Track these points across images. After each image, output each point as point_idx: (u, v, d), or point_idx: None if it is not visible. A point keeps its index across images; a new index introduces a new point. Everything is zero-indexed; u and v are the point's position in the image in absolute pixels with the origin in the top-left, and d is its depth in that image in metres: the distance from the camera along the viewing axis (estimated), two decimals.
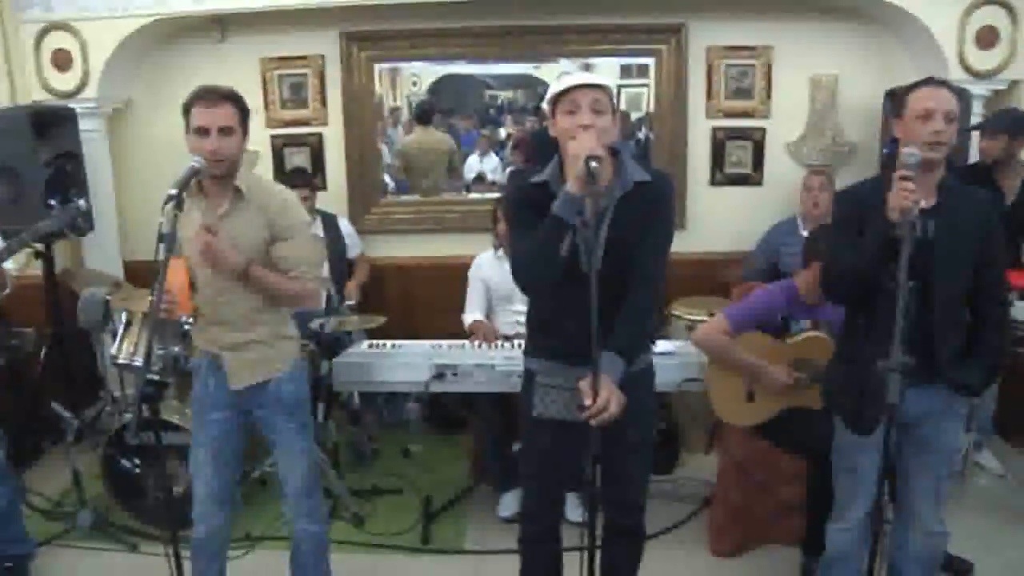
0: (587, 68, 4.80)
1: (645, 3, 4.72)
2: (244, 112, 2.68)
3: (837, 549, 2.93)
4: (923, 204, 2.48)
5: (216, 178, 2.64)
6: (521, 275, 2.44)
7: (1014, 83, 4.63)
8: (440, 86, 5.06)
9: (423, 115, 5.05)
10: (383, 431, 4.78)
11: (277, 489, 3.15)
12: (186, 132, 2.63)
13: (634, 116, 5.06)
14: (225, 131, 2.58)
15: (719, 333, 3.34)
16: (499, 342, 3.94)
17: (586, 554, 2.37)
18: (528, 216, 2.39)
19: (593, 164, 2.15)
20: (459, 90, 5.11)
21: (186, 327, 3.03)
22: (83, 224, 4.30)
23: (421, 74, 5.00)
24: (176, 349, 3.52)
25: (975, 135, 4.40)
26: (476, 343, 3.95)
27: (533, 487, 2.81)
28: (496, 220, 4.08)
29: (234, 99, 2.65)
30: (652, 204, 2.42)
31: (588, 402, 2.19)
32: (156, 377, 2.51)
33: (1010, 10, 4.50)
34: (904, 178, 2.36)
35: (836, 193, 3.14)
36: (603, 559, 2.49)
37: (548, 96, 2.41)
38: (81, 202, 4.03)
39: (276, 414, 2.85)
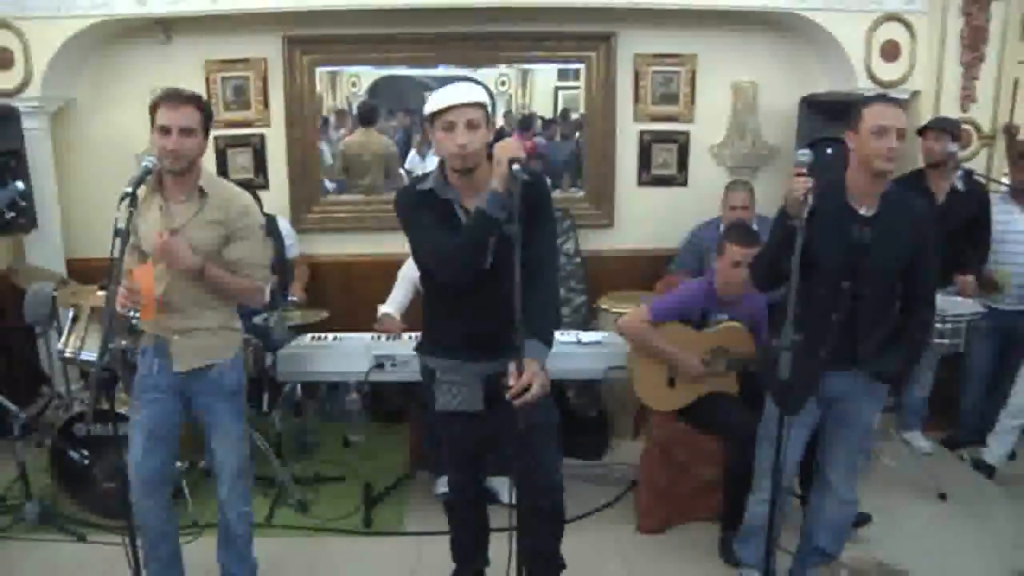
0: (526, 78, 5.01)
1: (577, 12, 4.91)
2: (207, 115, 2.85)
3: (754, 519, 3.22)
4: (863, 211, 2.79)
5: (177, 176, 2.79)
6: (448, 270, 2.63)
7: (915, 93, 4.98)
8: (379, 88, 5.19)
9: (366, 117, 5.19)
10: (324, 422, 4.93)
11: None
12: (151, 131, 2.78)
13: (573, 116, 5.29)
14: (186, 131, 2.74)
15: (640, 322, 3.59)
16: (408, 335, 4.05)
17: (512, 535, 2.59)
18: (428, 217, 2.60)
19: (516, 167, 2.37)
20: (398, 91, 5.25)
21: (134, 321, 3.15)
22: (21, 203, 4.36)
23: (361, 76, 5.14)
24: (124, 343, 3.66)
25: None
26: (377, 335, 4.08)
27: (451, 468, 3.07)
28: None
29: (197, 102, 2.82)
30: (536, 201, 2.63)
31: (512, 382, 2.39)
32: (105, 372, 2.60)
33: (908, 27, 4.86)
34: (799, 174, 2.65)
35: None
36: (527, 540, 2.69)
37: (426, 112, 2.59)
38: (19, 183, 4.09)
39: (218, 400, 3.01)
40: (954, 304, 3.93)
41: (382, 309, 4.24)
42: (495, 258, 2.47)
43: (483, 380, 2.69)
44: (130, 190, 2.50)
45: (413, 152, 5.37)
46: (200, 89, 4.90)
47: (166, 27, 4.89)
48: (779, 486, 2.68)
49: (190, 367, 2.93)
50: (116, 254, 2.42)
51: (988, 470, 4.41)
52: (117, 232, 2.42)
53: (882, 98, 2.95)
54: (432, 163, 5.22)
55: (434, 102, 2.55)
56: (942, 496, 4.15)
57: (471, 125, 2.50)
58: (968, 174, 4.38)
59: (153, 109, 2.78)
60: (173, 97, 2.78)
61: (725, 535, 3.60)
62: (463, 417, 2.79)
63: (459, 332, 2.71)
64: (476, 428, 2.82)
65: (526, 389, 2.41)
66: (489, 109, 2.58)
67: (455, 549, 3.21)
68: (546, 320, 2.65)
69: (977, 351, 4.56)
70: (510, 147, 2.42)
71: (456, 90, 2.53)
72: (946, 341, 3.87)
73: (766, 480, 3.07)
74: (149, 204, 2.83)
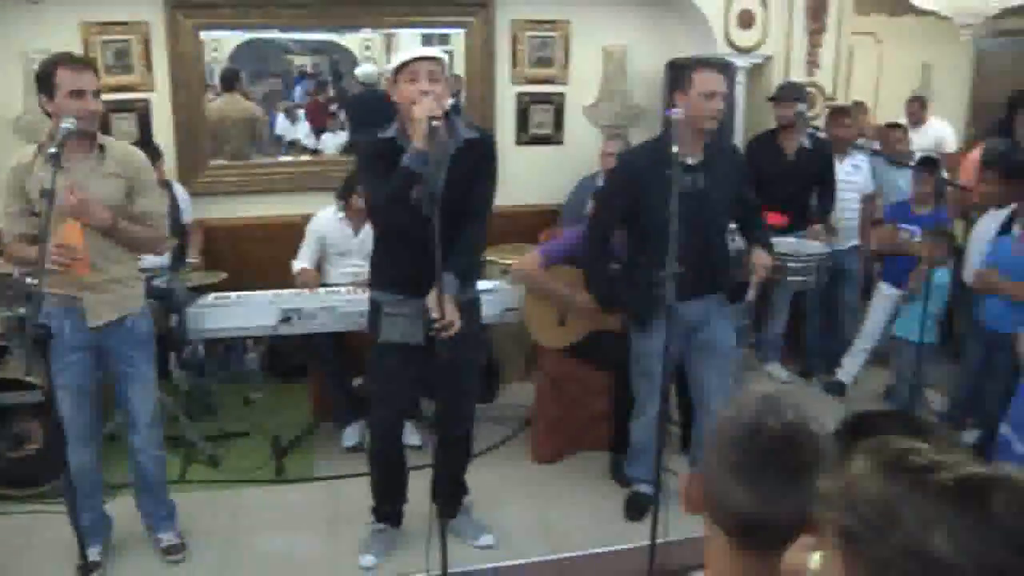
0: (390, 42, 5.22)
1: None
2: (97, 78, 2.97)
3: (639, 441, 3.61)
4: (690, 161, 3.17)
5: (80, 137, 2.87)
6: (380, 218, 2.91)
7: (768, 58, 5.47)
8: (240, 52, 5.22)
9: (226, 81, 5.23)
10: (224, 383, 5.00)
11: (125, 442, 3.40)
12: (46, 95, 2.85)
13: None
14: (95, 93, 2.88)
15: (532, 265, 3.90)
16: (340, 289, 4.27)
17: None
18: (379, 166, 2.86)
19: (434, 123, 2.62)
20: (259, 56, 5.31)
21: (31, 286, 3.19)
22: None
23: (221, 41, 5.15)
24: (21, 310, 3.68)
25: (738, 110, 5.24)
26: (301, 289, 4.26)
27: (380, 404, 3.27)
28: (346, 194, 4.40)
29: (93, 66, 2.99)
30: (479, 157, 2.94)
31: (436, 315, 2.66)
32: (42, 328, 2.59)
33: None
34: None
35: (618, 156, 3.82)
36: (437, 463, 3.09)
37: (392, 66, 2.87)
38: None
39: (133, 348, 3.17)
40: (805, 246, 4.44)
41: (297, 264, 4.39)
42: (445, 203, 2.70)
43: (424, 315, 2.91)
44: (54, 150, 2.57)
45: (281, 116, 5.46)
46: (77, 52, 4.83)
47: None
48: (666, 397, 3.03)
49: (106, 321, 3.04)
50: (44, 213, 2.49)
51: (840, 389, 5.00)
52: (43, 192, 2.49)
53: (708, 65, 3.40)
54: (301, 128, 5.49)
55: (399, 57, 2.84)
56: None
57: (432, 77, 2.77)
58: (814, 131, 4.88)
59: (50, 73, 2.83)
60: (76, 61, 2.90)
61: (615, 458, 3.98)
62: (404, 350, 3.02)
63: (403, 269, 2.95)
64: (413, 362, 3.06)
65: (451, 322, 2.71)
66: (446, 67, 2.87)
67: (378, 489, 3.42)
68: (466, 259, 2.98)
69: (815, 289, 5.14)
70: (427, 106, 2.65)
71: (419, 48, 2.94)
72: (799, 278, 4.40)
73: (646, 410, 3.51)
74: (40, 165, 2.89)
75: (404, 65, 2.80)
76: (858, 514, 0.74)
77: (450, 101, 3.02)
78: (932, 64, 8.58)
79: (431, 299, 2.72)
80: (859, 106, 6.74)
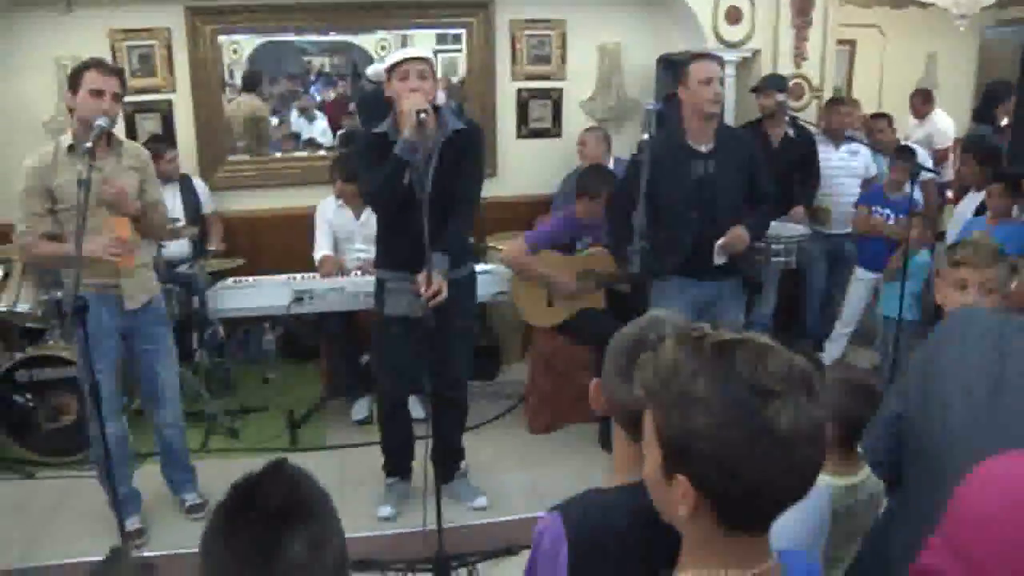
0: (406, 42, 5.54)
1: None
2: (124, 86, 3.28)
3: None
4: (702, 148, 3.48)
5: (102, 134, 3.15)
6: (375, 203, 3.26)
7: (756, 52, 5.71)
8: (259, 54, 5.51)
9: (247, 82, 5.54)
10: (243, 364, 5.37)
11: (150, 416, 3.76)
12: (71, 91, 3.16)
13: (452, 77, 5.79)
14: (116, 97, 3.18)
15: (520, 251, 4.21)
16: (351, 272, 4.62)
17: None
18: (373, 157, 3.21)
19: (422, 115, 2.95)
20: (277, 57, 5.60)
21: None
22: None
23: (242, 43, 5.43)
24: (58, 294, 4.04)
25: (728, 101, 5.49)
26: (324, 278, 4.60)
27: (385, 371, 3.61)
28: (334, 179, 4.78)
29: (120, 74, 3.27)
30: (467, 146, 3.28)
31: (423, 290, 2.99)
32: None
33: None
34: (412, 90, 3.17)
35: (639, 144, 4.14)
36: (434, 426, 3.37)
37: (385, 66, 3.21)
38: None
39: (159, 326, 3.55)
40: (786, 228, 4.71)
41: (318, 253, 4.75)
42: (432, 189, 3.02)
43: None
44: (89, 145, 2.89)
45: (296, 113, 5.77)
46: (106, 57, 5.18)
47: None
48: None
49: (141, 304, 3.38)
50: (82, 202, 2.79)
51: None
52: (80, 183, 2.81)
53: (702, 55, 3.68)
54: (318, 126, 5.80)
55: (391, 59, 3.18)
56: None
57: (421, 75, 3.10)
58: (794, 120, 5.14)
59: (78, 73, 3.14)
60: (103, 65, 3.22)
61: (604, 427, 4.27)
62: (405, 323, 3.35)
63: (404, 249, 3.28)
64: (412, 334, 3.35)
65: (437, 293, 3.06)
66: (434, 66, 3.20)
67: (388, 447, 3.77)
68: (456, 240, 3.31)
69: (814, 272, 5.40)
70: (415, 100, 2.98)
71: (408, 49, 3.26)
72: (781, 259, 4.67)
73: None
74: (63, 159, 3.20)
75: (396, 65, 3.13)
76: (657, 374, 1.04)
77: (440, 96, 3.34)
78: (937, 54, 8.77)
79: (421, 276, 3.04)
80: (853, 101, 6.99)
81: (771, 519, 1.03)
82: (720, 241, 3.63)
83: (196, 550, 1.13)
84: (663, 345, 1.06)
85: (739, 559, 1.04)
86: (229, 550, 1.08)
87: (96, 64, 3.19)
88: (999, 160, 4.42)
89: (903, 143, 5.52)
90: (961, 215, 4.71)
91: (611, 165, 5.06)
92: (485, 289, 4.35)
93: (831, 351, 5.29)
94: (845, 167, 5.31)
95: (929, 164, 5.47)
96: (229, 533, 1.09)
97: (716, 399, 0.97)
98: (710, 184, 3.55)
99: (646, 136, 3.39)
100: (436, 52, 5.71)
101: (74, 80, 3.16)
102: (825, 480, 2.11)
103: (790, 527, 1.24)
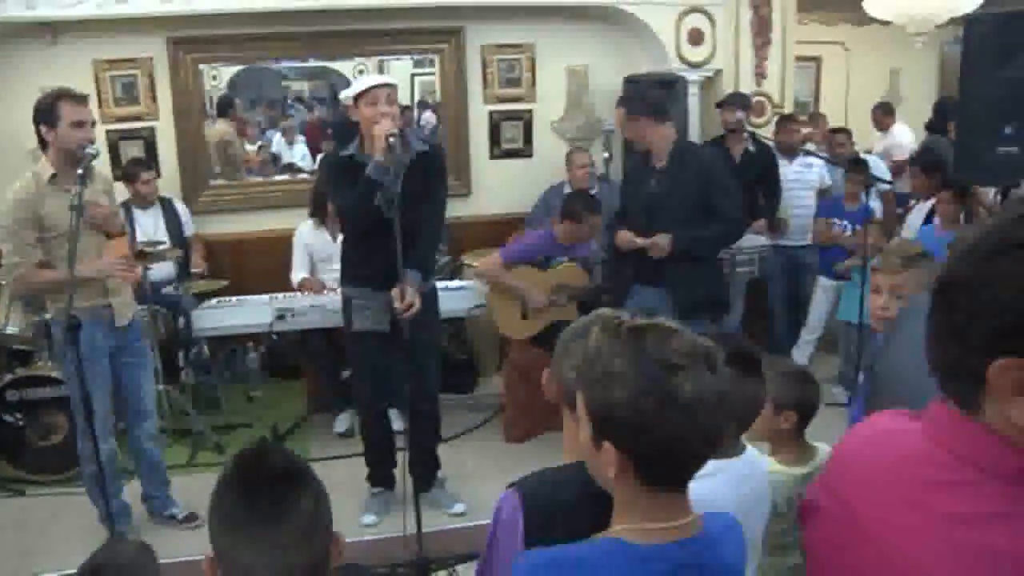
0: (380, 68, 5.75)
1: (429, 11, 5.60)
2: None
3: None
4: (659, 165, 3.73)
5: (75, 160, 3.25)
6: (349, 221, 3.43)
7: (718, 71, 5.96)
8: (239, 79, 5.69)
9: (221, 108, 5.70)
10: (228, 382, 5.49)
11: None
12: (47, 126, 3.25)
13: (430, 100, 6.00)
14: (93, 123, 3.35)
15: (495, 265, 4.40)
16: (325, 292, 4.79)
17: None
18: (343, 178, 3.42)
19: (391, 140, 3.13)
20: (257, 83, 5.77)
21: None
22: None
23: (220, 69, 5.61)
24: (47, 315, 4.17)
25: (692, 119, 5.73)
26: (306, 294, 4.79)
27: (362, 385, 3.78)
28: (315, 204, 4.94)
29: (87, 99, 3.39)
30: (430, 167, 3.50)
31: (397, 304, 3.17)
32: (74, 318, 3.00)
33: (710, 16, 5.83)
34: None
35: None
36: (411, 438, 3.59)
37: (352, 92, 3.39)
38: None
39: (141, 340, 3.72)
40: (748, 240, 4.94)
41: (296, 276, 4.92)
42: (403, 207, 3.20)
43: (389, 305, 3.40)
44: (81, 171, 3.06)
45: (278, 137, 5.94)
46: (89, 87, 5.31)
47: (53, 29, 5.22)
48: None
49: (129, 319, 3.54)
50: (74, 227, 2.96)
51: None
52: (73, 207, 2.97)
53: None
54: (298, 150, 5.97)
55: (358, 86, 3.38)
56: None
57: (389, 99, 3.31)
58: (753, 135, 5.37)
59: (53, 106, 3.23)
60: (76, 95, 3.31)
61: None
62: (373, 338, 3.53)
63: (369, 266, 3.47)
64: (383, 347, 3.56)
65: (411, 305, 3.25)
66: (397, 92, 3.41)
67: (370, 458, 3.93)
68: (426, 255, 3.53)
69: (777, 283, 5.61)
70: (386, 125, 3.17)
71: (376, 77, 3.51)
72: (746, 269, 4.92)
73: None
74: (47, 189, 3.29)
75: (364, 92, 3.32)
76: (584, 358, 1.23)
77: (430, 118, 3.58)
78: (900, 70, 9.08)
79: (395, 292, 3.22)
80: (821, 116, 7.26)
81: (685, 477, 1.22)
82: (639, 241, 3.89)
83: (189, 558, 1.30)
84: (590, 333, 1.25)
85: (660, 514, 1.22)
86: (247, 510, 1.26)
87: (66, 95, 3.26)
88: (943, 169, 4.65)
89: (860, 155, 5.75)
90: (912, 224, 4.94)
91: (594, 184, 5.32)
92: (461, 304, 4.53)
93: (798, 357, 5.49)
94: (799, 180, 5.56)
95: (886, 175, 5.73)
96: (245, 495, 1.28)
97: (631, 374, 1.15)
98: (658, 199, 3.82)
99: (606, 155, 3.61)
100: (413, 76, 5.94)
101: (47, 114, 3.24)
102: (777, 469, 2.28)
103: (719, 502, 1.43)
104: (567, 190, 5.59)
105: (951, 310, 0.90)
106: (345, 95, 3.45)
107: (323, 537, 1.31)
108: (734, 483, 1.72)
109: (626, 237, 3.95)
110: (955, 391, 0.93)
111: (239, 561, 1.25)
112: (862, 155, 5.81)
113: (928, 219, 4.76)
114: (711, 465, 1.27)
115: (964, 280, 0.88)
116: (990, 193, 4.41)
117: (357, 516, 3.87)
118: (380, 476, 3.94)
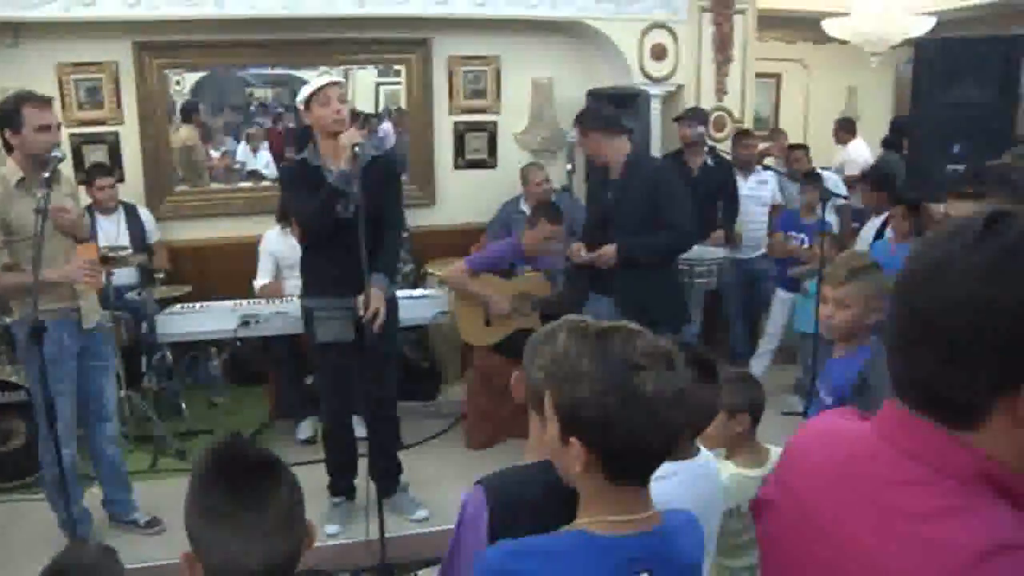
0: (346, 77, 5.74)
1: (397, 21, 5.63)
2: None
3: None
4: (614, 177, 3.84)
5: (45, 164, 3.22)
6: (311, 229, 3.46)
7: (680, 86, 6.08)
8: (202, 86, 5.69)
9: (185, 113, 5.70)
10: (191, 388, 5.46)
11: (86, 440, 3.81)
12: (11, 130, 3.24)
13: (392, 110, 6.06)
14: (58, 126, 3.35)
15: (460, 272, 4.46)
16: (288, 296, 4.79)
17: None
18: (300, 185, 3.47)
19: (356, 149, 3.19)
20: (221, 89, 5.78)
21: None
22: None
23: (185, 75, 5.61)
24: (7, 320, 4.15)
25: (655, 133, 5.84)
26: (268, 301, 4.80)
27: (328, 395, 3.81)
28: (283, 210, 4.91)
29: (52, 102, 3.39)
30: (385, 171, 3.57)
31: (362, 312, 3.21)
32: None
33: (672, 33, 5.95)
34: None
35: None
36: (372, 442, 3.66)
37: (305, 94, 3.42)
38: None
39: (106, 344, 3.71)
40: (707, 251, 5.06)
41: (258, 282, 4.94)
42: (355, 216, 3.25)
43: (352, 316, 3.44)
44: (47, 175, 3.05)
45: (243, 145, 5.94)
46: (52, 90, 5.27)
47: (15, 30, 5.16)
48: None
49: (96, 321, 3.54)
50: (39, 231, 2.94)
51: None
52: (37, 211, 2.96)
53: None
54: (262, 158, 5.98)
55: (311, 86, 3.40)
56: None
57: (340, 99, 3.36)
58: (712, 150, 5.49)
59: (16, 110, 3.22)
60: (40, 99, 3.30)
61: None
62: (339, 347, 3.56)
63: (330, 274, 3.50)
64: (348, 356, 3.59)
65: (376, 313, 3.30)
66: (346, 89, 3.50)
67: (332, 467, 3.93)
68: (389, 259, 3.59)
69: (733, 295, 5.74)
70: (351, 135, 3.22)
71: (324, 77, 3.48)
72: (704, 280, 5.03)
73: None
74: (15, 192, 3.28)
75: (316, 92, 3.37)
76: (552, 359, 1.30)
77: (388, 129, 3.64)
78: (857, 88, 9.31)
79: (360, 299, 3.26)
80: (781, 132, 7.42)
81: (647, 472, 1.29)
82: (585, 255, 4.03)
83: (152, 563, 1.33)
84: (557, 336, 1.32)
85: (622, 508, 1.29)
86: (232, 500, 1.30)
87: (29, 99, 3.25)
88: (892, 185, 4.80)
89: (815, 169, 5.90)
90: (865, 238, 5.09)
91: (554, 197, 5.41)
92: (424, 312, 4.58)
93: (756, 367, 5.59)
94: (753, 196, 5.71)
95: (842, 190, 5.88)
96: (225, 484, 1.31)
97: (597, 373, 1.23)
98: (611, 209, 3.95)
99: (569, 167, 3.70)
100: (378, 85, 5.98)
101: (11, 119, 3.23)
102: (738, 471, 2.37)
103: (675, 503, 1.50)
104: (522, 205, 5.66)
105: (944, 334, 0.88)
106: (299, 99, 3.48)
107: (300, 524, 1.37)
108: (690, 483, 1.80)
109: (576, 249, 4.06)
110: (948, 415, 0.91)
111: (226, 551, 1.29)
112: (818, 170, 5.95)
113: (880, 234, 4.91)
114: (669, 467, 1.34)
115: (960, 303, 0.87)
116: (940, 208, 4.56)
117: (320, 524, 3.88)
118: (342, 486, 3.94)
